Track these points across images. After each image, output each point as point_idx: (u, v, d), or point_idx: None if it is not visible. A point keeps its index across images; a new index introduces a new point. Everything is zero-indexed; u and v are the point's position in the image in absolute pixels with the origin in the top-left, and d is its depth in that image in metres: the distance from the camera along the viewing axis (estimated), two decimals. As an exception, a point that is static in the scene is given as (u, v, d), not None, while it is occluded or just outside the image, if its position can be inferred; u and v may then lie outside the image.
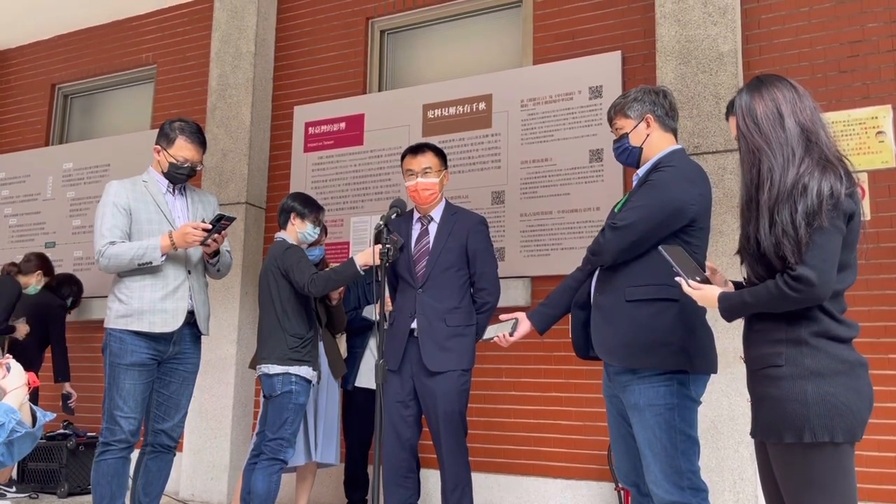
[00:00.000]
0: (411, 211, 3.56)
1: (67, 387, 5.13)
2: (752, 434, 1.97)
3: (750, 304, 1.92)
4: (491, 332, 2.74)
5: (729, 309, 1.97)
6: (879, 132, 3.80)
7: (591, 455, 4.16)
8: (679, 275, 2.11)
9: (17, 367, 2.07)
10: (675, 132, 2.64)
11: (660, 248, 2.17)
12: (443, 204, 3.53)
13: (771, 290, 1.85)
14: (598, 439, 4.13)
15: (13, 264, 5.22)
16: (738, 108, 2.00)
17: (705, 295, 2.04)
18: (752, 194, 1.93)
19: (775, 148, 1.91)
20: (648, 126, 2.57)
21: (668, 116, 2.60)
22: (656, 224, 2.39)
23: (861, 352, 3.80)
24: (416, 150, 3.51)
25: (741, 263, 2.03)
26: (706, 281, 2.11)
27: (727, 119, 2.09)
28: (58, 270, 5.93)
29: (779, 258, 1.84)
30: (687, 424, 2.38)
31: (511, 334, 2.66)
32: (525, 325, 2.69)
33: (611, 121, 2.68)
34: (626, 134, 2.60)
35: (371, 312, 4.18)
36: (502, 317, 2.75)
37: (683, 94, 4.02)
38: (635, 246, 2.42)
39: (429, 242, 3.43)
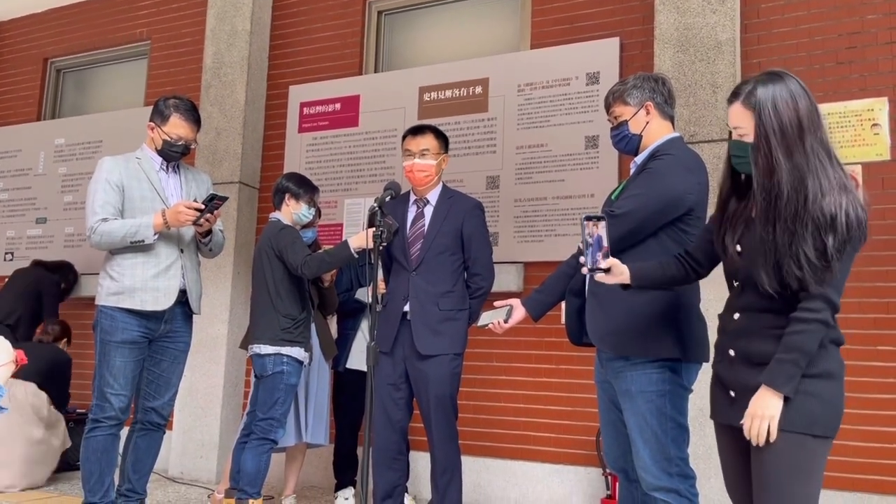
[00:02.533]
0: (407, 193, 3.55)
1: None
2: (738, 422, 1.97)
3: (798, 360, 1.85)
4: (485, 318, 2.73)
5: (790, 380, 1.86)
6: (875, 124, 3.80)
7: (579, 440, 4.19)
8: (584, 253, 2.15)
9: (5, 344, 2.07)
10: (672, 119, 2.63)
11: (582, 217, 2.16)
12: (440, 187, 3.52)
13: (807, 329, 1.85)
14: (588, 425, 4.15)
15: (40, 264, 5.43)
16: (763, 104, 1.95)
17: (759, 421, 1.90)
18: (769, 201, 1.91)
19: (794, 164, 1.91)
20: (648, 113, 2.56)
21: (666, 104, 2.60)
22: (654, 212, 2.40)
23: (851, 344, 3.82)
24: (416, 130, 3.50)
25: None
26: (607, 269, 2.15)
27: (730, 103, 2.05)
28: (49, 246, 5.94)
29: (796, 278, 1.87)
30: (677, 412, 2.39)
31: (506, 321, 2.65)
32: (520, 312, 2.67)
33: (608, 108, 2.65)
34: (626, 121, 2.58)
35: (364, 295, 4.18)
36: (496, 303, 2.74)
37: (681, 82, 4.01)
38: (632, 234, 2.42)
39: (424, 225, 3.43)
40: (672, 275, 2.28)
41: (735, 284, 2.08)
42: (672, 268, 2.28)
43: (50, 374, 4.67)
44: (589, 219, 2.15)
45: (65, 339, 4.99)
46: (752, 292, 2.00)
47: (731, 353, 2.03)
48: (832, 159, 1.93)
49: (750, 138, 1.98)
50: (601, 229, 2.15)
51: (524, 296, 2.80)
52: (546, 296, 2.69)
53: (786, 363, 1.86)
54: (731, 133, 2.09)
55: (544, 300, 2.70)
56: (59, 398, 4.76)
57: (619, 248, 2.44)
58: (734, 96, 2.05)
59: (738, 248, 2.03)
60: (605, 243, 2.16)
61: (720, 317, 2.14)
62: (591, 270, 2.19)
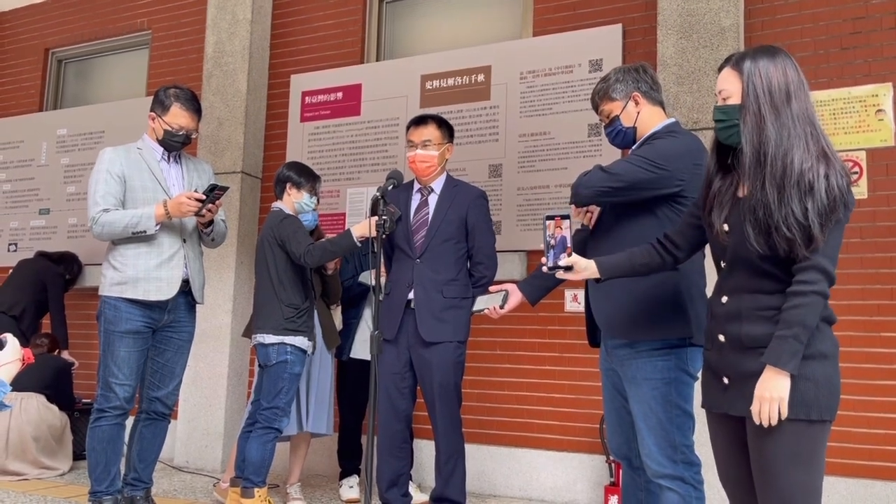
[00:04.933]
0: (412, 181, 3.54)
1: (66, 354, 5.14)
2: (734, 410, 1.97)
3: (799, 335, 1.82)
4: (480, 303, 2.69)
5: (794, 356, 1.82)
6: (879, 110, 3.78)
7: (583, 428, 4.20)
8: (545, 252, 2.19)
9: (13, 342, 2.07)
10: (662, 105, 2.61)
11: (544, 216, 2.19)
12: (444, 176, 3.52)
13: (805, 302, 1.82)
14: (591, 412, 4.16)
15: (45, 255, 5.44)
16: (755, 70, 1.96)
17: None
18: (759, 158, 1.92)
19: (781, 123, 1.91)
20: (637, 104, 2.55)
21: (653, 90, 2.58)
22: (643, 180, 2.37)
23: (854, 330, 3.83)
24: (419, 121, 3.49)
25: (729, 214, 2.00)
26: (569, 268, 2.20)
27: (720, 71, 2.05)
28: (52, 237, 5.95)
29: (786, 239, 1.85)
30: (683, 399, 2.39)
31: (501, 306, 2.61)
32: (516, 297, 2.64)
33: (596, 107, 2.64)
34: (617, 116, 2.57)
35: (367, 278, 4.17)
36: (492, 288, 2.71)
37: (684, 68, 3.99)
38: (613, 193, 2.40)
39: (428, 214, 3.43)
40: (643, 262, 2.27)
41: (722, 265, 2.06)
42: (643, 256, 2.27)
43: (56, 383, 4.72)
44: (551, 218, 2.17)
45: (56, 350, 5.01)
46: (740, 273, 1.98)
47: (721, 338, 2.00)
48: (816, 129, 1.92)
49: (733, 100, 1.99)
50: (565, 229, 2.17)
51: (522, 281, 2.77)
52: (543, 280, 2.64)
53: (787, 339, 1.82)
54: None
55: (541, 284, 2.67)
56: (67, 403, 4.81)
57: (597, 202, 2.44)
58: (725, 62, 2.05)
59: (726, 227, 2.00)
60: (569, 243, 2.18)
61: (709, 301, 2.11)
62: (552, 269, 2.21)
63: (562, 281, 2.69)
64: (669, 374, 2.37)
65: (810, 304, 1.83)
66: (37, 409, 4.49)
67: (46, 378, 4.66)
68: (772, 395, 1.83)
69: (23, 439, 4.40)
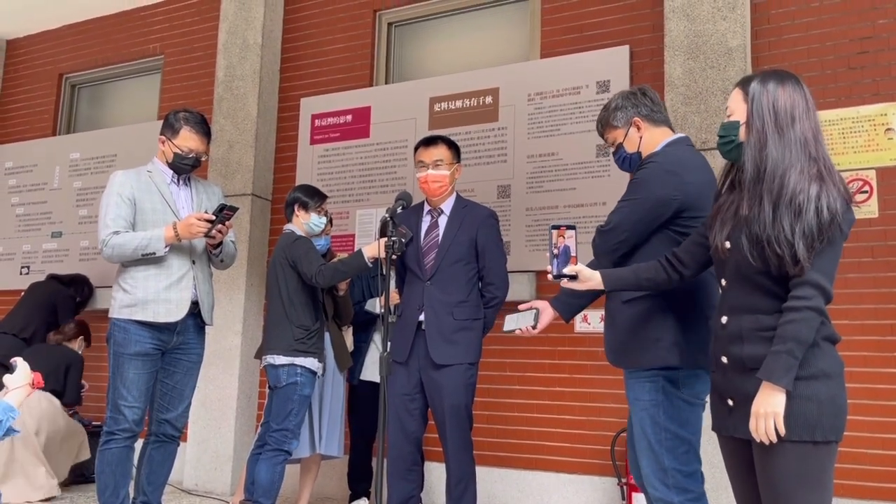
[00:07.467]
0: (422, 203, 3.55)
1: None
2: (739, 433, 1.95)
3: (793, 350, 1.82)
4: (511, 323, 2.62)
5: (788, 371, 1.82)
6: (888, 129, 3.77)
7: (594, 450, 4.16)
8: (550, 261, 2.23)
9: (23, 366, 2.09)
10: (667, 123, 2.62)
11: (550, 226, 2.24)
12: (453, 197, 3.53)
13: (799, 317, 1.82)
14: (602, 434, 4.12)
15: (58, 279, 5.46)
16: (762, 91, 1.99)
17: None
18: (759, 174, 1.95)
19: (784, 143, 1.94)
20: (639, 129, 2.57)
21: (654, 112, 2.59)
22: (638, 221, 2.41)
23: (867, 350, 3.80)
24: (429, 142, 3.51)
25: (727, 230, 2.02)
26: (574, 276, 2.23)
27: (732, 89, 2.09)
28: (64, 260, 5.99)
29: (776, 255, 1.87)
30: (675, 423, 2.35)
31: (534, 326, 2.56)
32: (548, 314, 2.59)
33: (602, 136, 2.69)
34: (621, 144, 2.61)
35: (373, 305, 4.18)
36: (521, 306, 2.66)
37: (691, 89, 4.00)
38: (624, 244, 2.44)
39: (438, 235, 3.43)
40: (649, 277, 2.28)
41: (723, 283, 2.06)
42: (649, 271, 2.28)
43: (55, 375, 4.67)
44: (556, 227, 2.21)
45: (81, 338, 4.98)
46: (738, 290, 1.98)
47: (724, 360, 2.00)
48: (818, 152, 1.94)
49: (735, 117, 2.03)
50: (568, 238, 2.20)
51: (553, 297, 2.71)
52: (576, 298, 2.60)
53: (781, 354, 1.82)
54: None
55: (574, 302, 2.64)
56: (70, 396, 4.76)
57: (616, 258, 2.48)
58: (737, 84, 2.09)
59: (728, 243, 2.01)
60: (573, 252, 2.21)
61: (711, 323, 2.11)
62: (556, 277, 2.24)
63: (593, 299, 2.67)
64: (657, 396, 2.37)
65: (804, 319, 1.82)
66: (38, 402, 4.43)
67: (48, 370, 4.55)
68: (766, 410, 1.83)
69: (25, 433, 4.32)
